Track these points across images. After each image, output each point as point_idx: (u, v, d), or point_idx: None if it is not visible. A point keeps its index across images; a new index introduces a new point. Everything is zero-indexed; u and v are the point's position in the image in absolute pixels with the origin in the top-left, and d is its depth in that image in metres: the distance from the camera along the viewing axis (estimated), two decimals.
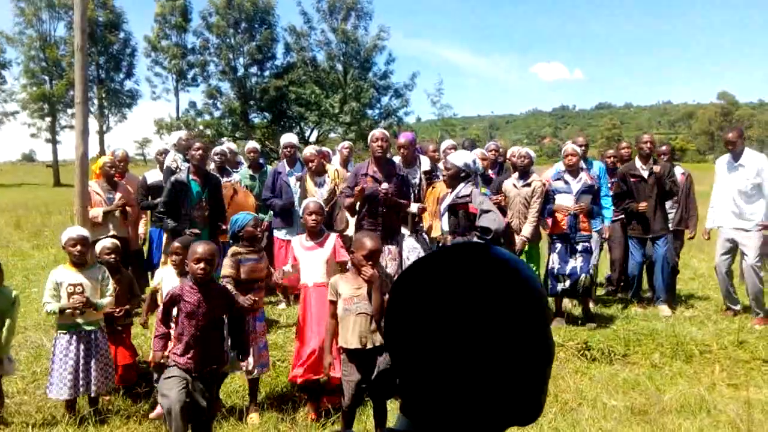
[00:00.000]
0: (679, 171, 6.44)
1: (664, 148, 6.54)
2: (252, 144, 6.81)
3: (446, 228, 4.40)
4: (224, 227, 4.94)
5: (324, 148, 6.81)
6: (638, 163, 6.16)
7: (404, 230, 5.85)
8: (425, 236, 6.04)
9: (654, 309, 6.07)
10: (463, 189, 4.23)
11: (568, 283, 5.47)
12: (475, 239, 4.03)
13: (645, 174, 6.04)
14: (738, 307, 5.87)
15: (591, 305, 5.99)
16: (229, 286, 3.59)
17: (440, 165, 6.38)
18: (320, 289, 3.81)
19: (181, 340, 3.20)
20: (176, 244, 3.93)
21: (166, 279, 3.93)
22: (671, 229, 6.32)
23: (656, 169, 5.99)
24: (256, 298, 3.77)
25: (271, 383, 4.25)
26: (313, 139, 37.27)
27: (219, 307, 3.29)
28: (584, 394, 4.13)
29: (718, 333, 5.23)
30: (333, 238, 4.01)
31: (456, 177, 4.28)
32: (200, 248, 3.23)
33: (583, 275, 5.41)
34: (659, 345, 4.96)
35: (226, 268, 3.72)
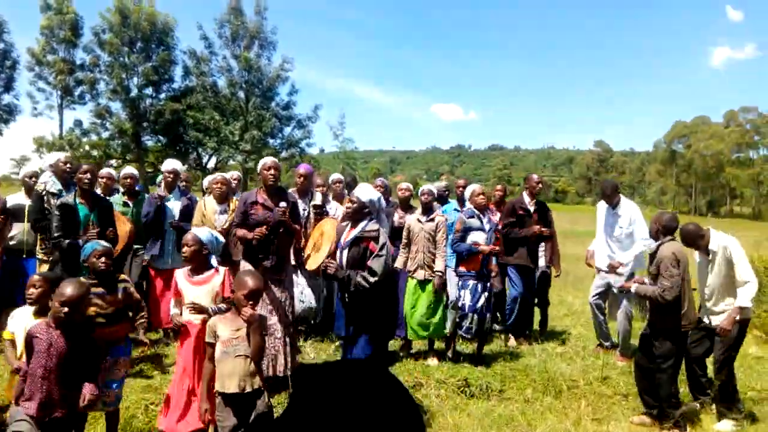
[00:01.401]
0: None
1: (540, 185, 7.15)
2: (129, 170, 6.51)
3: (343, 261, 4.39)
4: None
5: (230, 174, 6.62)
6: (526, 198, 6.61)
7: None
8: (306, 269, 6.05)
9: (530, 346, 6.44)
10: (370, 224, 4.27)
11: (475, 321, 5.56)
12: (359, 278, 4.09)
13: (531, 209, 6.51)
14: (608, 344, 6.35)
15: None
16: None
17: (331, 199, 6.50)
18: (199, 328, 3.70)
19: (27, 382, 2.96)
20: (36, 276, 3.58)
21: (18, 325, 3.44)
22: (543, 265, 6.83)
23: (532, 208, 6.49)
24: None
25: (142, 428, 4.00)
26: (211, 165, 36.21)
27: (75, 349, 3.04)
28: (462, 431, 4.27)
29: (585, 369, 5.63)
30: (222, 273, 3.87)
31: (359, 212, 4.32)
32: (68, 290, 3.01)
33: (488, 314, 5.63)
34: (532, 381, 5.25)
35: None
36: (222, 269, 3.90)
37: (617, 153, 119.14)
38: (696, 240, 4.76)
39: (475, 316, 5.58)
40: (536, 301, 6.99)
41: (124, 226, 5.58)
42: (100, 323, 3.49)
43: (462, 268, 5.69)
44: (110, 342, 3.57)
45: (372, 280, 4.05)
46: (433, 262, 5.67)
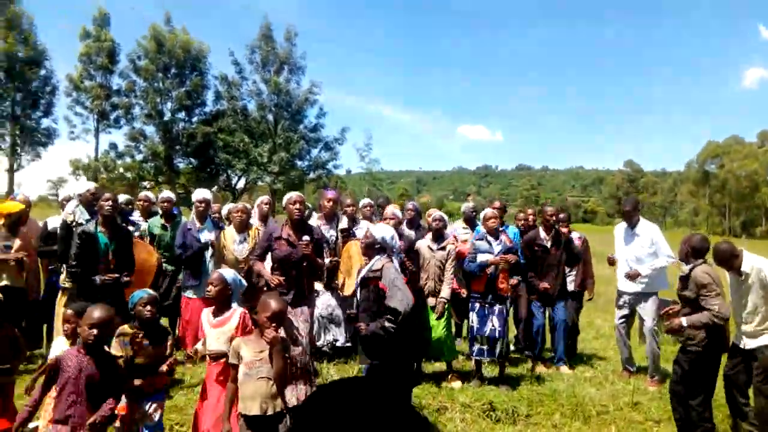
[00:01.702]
0: (575, 235, 6.86)
1: (562, 215, 6.89)
2: (166, 193, 6.66)
3: (358, 300, 4.37)
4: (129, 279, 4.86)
5: (260, 199, 6.74)
6: (542, 233, 6.44)
7: (318, 286, 5.84)
8: (339, 293, 6.06)
9: (556, 369, 6.32)
10: (376, 263, 4.19)
11: (486, 344, 5.59)
12: (386, 323, 3.96)
13: (548, 244, 6.36)
14: (633, 369, 6.20)
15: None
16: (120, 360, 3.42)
17: (360, 221, 6.51)
18: (219, 367, 3.66)
19: (57, 407, 3.01)
20: (69, 311, 3.68)
21: (57, 350, 3.64)
22: (571, 290, 6.67)
23: (564, 230, 6.37)
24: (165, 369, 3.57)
25: None
26: (240, 186, 36.82)
27: (104, 376, 3.09)
28: None
29: (614, 394, 5.48)
30: (238, 315, 3.78)
31: (371, 247, 4.29)
32: (96, 313, 3.08)
33: (501, 339, 5.55)
34: (560, 405, 5.13)
35: (113, 347, 3.51)
36: (238, 310, 3.81)
37: (648, 173, 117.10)
38: (730, 260, 4.60)
39: (484, 339, 5.57)
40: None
41: (151, 257, 5.69)
42: (142, 373, 3.51)
43: (473, 289, 5.75)
44: (146, 392, 3.58)
45: (397, 321, 3.93)
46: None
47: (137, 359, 3.51)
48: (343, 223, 6.26)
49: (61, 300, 5.41)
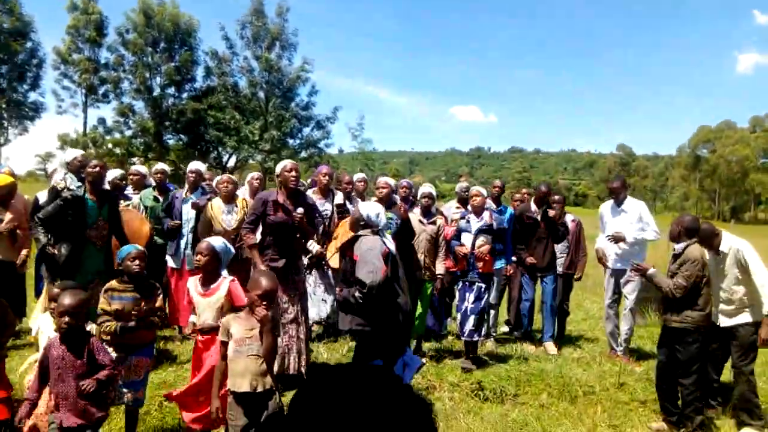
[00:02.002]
0: (569, 218, 6.88)
1: (557, 197, 6.91)
2: (160, 165, 6.62)
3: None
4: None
5: (251, 175, 6.70)
6: (533, 206, 6.53)
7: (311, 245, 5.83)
8: (329, 271, 6.06)
9: (543, 346, 6.38)
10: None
11: (465, 322, 5.60)
12: (355, 293, 3.93)
13: (538, 217, 6.42)
14: (620, 349, 6.26)
15: (489, 345, 6.21)
16: (112, 324, 3.42)
17: (355, 196, 6.50)
18: (207, 338, 3.69)
19: (52, 393, 3.03)
20: (56, 290, 3.65)
21: (43, 328, 3.61)
22: (561, 272, 6.70)
23: (551, 213, 6.38)
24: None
25: (155, 425, 4.03)
26: (231, 164, 36.56)
27: (88, 362, 3.05)
28: None
29: (601, 375, 5.54)
30: (226, 284, 3.77)
31: (356, 223, 4.28)
32: (66, 300, 3.00)
33: (472, 317, 5.55)
34: (548, 385, 5.18)
35: (101, 303, 3.54)
36: (227, 279, 3.79)
37: (640, 157, 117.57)
38: (710, 238, 4.72)
39: (461, 316, 5.62)
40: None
41: (143, 226, 5.63)
42: (131, 327, 3.51)
43: (456, 268, 5.81)
44: (136, 345, 3.60)
45: (363, 291, 3.87)
46: (433, 264, 5.68)
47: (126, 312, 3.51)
48: (339, 198, 6.23)
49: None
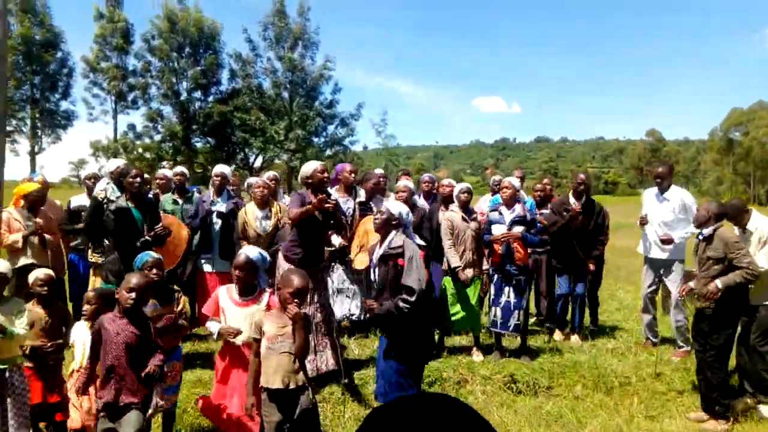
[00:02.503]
0: None
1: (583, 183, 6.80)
2: (179, 168, 6.71)
3: (375, 279, 4.35)
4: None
5: (266, 175, 6.71)
6: (571, 199, 6.43)
7: (335, 239, 5.86)
8: (351, 266, 6.07)
9: (570, 338, 6.32)
10: (395, 239, 4.14)
11: (499, 314, 5.56)
12: (401, 303, 3.94)
13: (578, 209, 6.30)
14: (656, 340, 6.14)
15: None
16: None
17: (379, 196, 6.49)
18: (242, 349, 3.67)
19: (101, 372, 3.15)
20: (91, 293, 3.74)
21: (78, 336, 3.70)
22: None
23: (578, 208, 6.27)
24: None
25: (192, 422, 4.11)
26: (257, 164, 36.96)
27: (142, 339, 3.20)
28: (509, 428, 4.21)
29: (637, 365, 5.45)
30: (266, 296, 3.74)
31: (387, 223, 4.26)
32: (135, 279, 3.21)
33: (516, 311, 5.50)
34: (582, 377, 5.12)
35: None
36: (266, 293, 3.76)
37: (670, 142, 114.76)
38: (740, 214, 4.70)
39: (499, 310, 5.54)
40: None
41: (182, 230, 5.72)
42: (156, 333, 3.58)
43: (491, 261, 5.74)
44: (165, 351, 3.67)
45: (412, 299, 3.91)
46: (477, 260, 5.65)
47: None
48: (362, 196, 6.24)
49: (93, 278, 5.54)
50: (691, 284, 4.59)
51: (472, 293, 5.62)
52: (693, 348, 4.91)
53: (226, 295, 3.77)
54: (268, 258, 4.00)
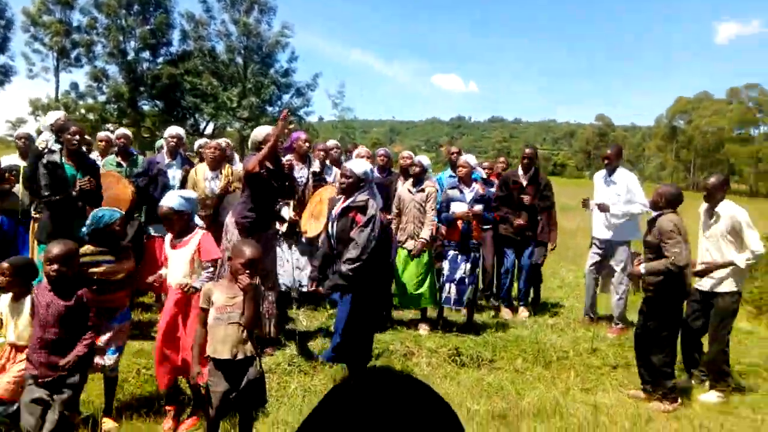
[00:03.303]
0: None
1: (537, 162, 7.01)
2: (122, 130, 6.50)
3: (333, 233, 4.40)
4: None
5: (221, 142, 6.55)
6: (520, 171, 6.61)
7: (279, 226, 5.83)
8: (304, 239, 6.06)
9: (517, 310, 6.53)
10: (360, 196, 4.22)
11: (453, 291, 5.66)
12: (344, 267, 4.04)
13: (524, 182, 6.47)
14: (595, 317, 6.43)
15: (465, 311, 6.32)
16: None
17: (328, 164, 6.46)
18: (178, 291, 3.74)
19: (30, 344, 3.08)
20: (5, 264, 3.57)
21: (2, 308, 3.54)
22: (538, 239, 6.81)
23: (525, 182, 6.42)
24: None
25: (133, 392, 4.05)
26: (208, 131, 35.94)
27: (73, 311, 3.12)
28: (451, 399, 4.33)
29: (575, 340, 5.70)
30: (198, 236, 3.80)
31: (355, 186, 4.28)
32: (55, 249, 3.11)
33: (471, 287, 5.64)
34: (523, 351, 5.32)
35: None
36: (199, 233, 3.81)
37: (619, 128, 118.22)
38: (717, 192, 4.80)
39: (453, 286, 5.64)
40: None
41: (126, 189, 5.53)
42: (109, 289, 3.56)
43: (447, 238, 5.79)
44: (112, 309, 3.62)
45: (355, 258, 3.99)
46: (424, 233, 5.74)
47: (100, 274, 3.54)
48: (316, 166, 6.20)
49: (32, 230, 5.32)
50: (641, 269, 4.79)
51: (421, 268, 5.70)
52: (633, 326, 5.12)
53: (167, 241, 3.89)
54: (194, 196, 4.04)
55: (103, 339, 3.54)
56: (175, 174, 5.82)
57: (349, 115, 38.92)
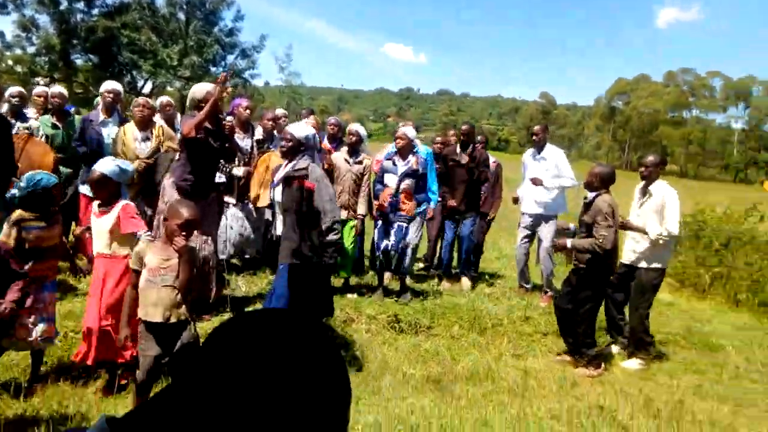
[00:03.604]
0: (491, 160, 7.08)
1: (480, 138, 7.06)
2: (57, 88, 6.10)
3: (278, 199, 4.33)
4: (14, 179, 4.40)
5: (150, 100, 6.25)
6: (458, 149, 6.67)
7: (229, 199, 5.69)
8: (251, 206, 5.95)
9: (460, 285, 6.68)
10: (300, 162, 4.13)
11: (382, 258, 5.77)
12: (331, 236, 3.99)
13: (462, 160, 6.54)
14: (529, 286, 6.67)
15: (407, 280, 6.40)
16: None
17: (276, 134, 6.31)
18: (102, 260, 3.62)
19: None
20: None
21: None
22: (480, 210, 6.94)
23: (464, 160, 6.50)
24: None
25: (61, 356, 3.90)
26: (146, 90, 34.38)
27: None
28: (389, 364, 4.41)
29: (509, 309, 5.89)
30: (119, 207, 3.62)
31: (295, 150, 4.18)
32: None
33: (393, 252, 5.67)
34: (460, 318, 5.46)
35: (3, 235, 3.31)
36: (120, 203, 3.64)
37: (561, 106, 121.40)
38: (654, 171, 4.99)
39: (381, 255, 5.73)
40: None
41: (47, 156, 5.22)
42: (41, 256, 3.40)
43: (376, 208, 5.86)
44: (41, 278, 3.45)
45: (331, 222, 3.96)
46: (356, 204, 5.73)
47: (28, 245, 3.36)
48: (259, 133, 6.04)
49: None
50: (567, 243, 4.98)
51: (347, 236, 5.74)
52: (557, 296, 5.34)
53: (94, 207, 3.75)
54: (130, 168, 3.88)
55: (38, 329, 3.41)
56: (110, 132, 5.51)
57: (297, 80, 38.23)
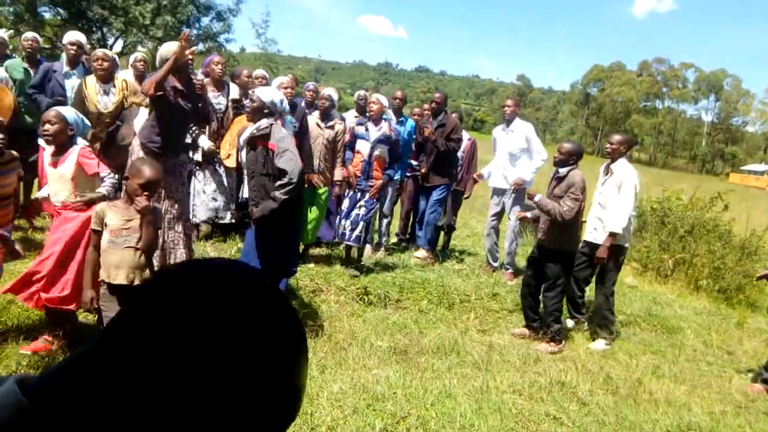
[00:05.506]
0: (466, 136, 7.07)
1: (454, 114, 7.00)
2: (31, 33, 5.85)
3: (244, 160, 4.25)
4: None
5: (108, 52, 5.99)
6: (430, 118, 6.68)
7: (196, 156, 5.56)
8: (221, 169, 5.83)
9: (415, 251, 6.68)
10: (262, 123, 4.05)
11: (348, 227, 5.63)
12: (278, 194, 3.89)
13: (432, 127, 6.51)
14: (497, 264, 6.72)
15: (379, 255, 6.40)
16: None
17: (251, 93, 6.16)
18: (66, 212, 3.46)
19: None
20: None
21: None
22: (452, 188, 6.91)
23: (426, 132, 6.41)
24: None
25: (20, 314, 3.78)
26: (117, 49, 33.19)
27: None
28: (356, 335, 4.41)
29: (478, 285, 5.94)
30: (76, 151, 3.42)
31: (259, 112, 4.08)
32: None
33: (361, 223, 5.60)
34: (428, 293, 5.48)
35: None
36: (76, 148, 3.43)
37: (537, 89, 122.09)
38: (618, 150, 5.07)
39: (348, 222, 5.63)
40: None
41: (5, 97, 4.98)
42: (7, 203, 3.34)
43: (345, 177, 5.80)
44: None
45: (288, 182, 3.87)
46: (328, 170, 5.66)
47: None
48: (234, 93, 5.87)
49: None
50: (527, 214, 5.08)
51: (316, 203, 5.69)
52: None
53: (46, 157, 3.54)
54: (88, 123, 3.76)
55: None
56: (73, 84, 5.29)
57: (273, 47, 37.39)
